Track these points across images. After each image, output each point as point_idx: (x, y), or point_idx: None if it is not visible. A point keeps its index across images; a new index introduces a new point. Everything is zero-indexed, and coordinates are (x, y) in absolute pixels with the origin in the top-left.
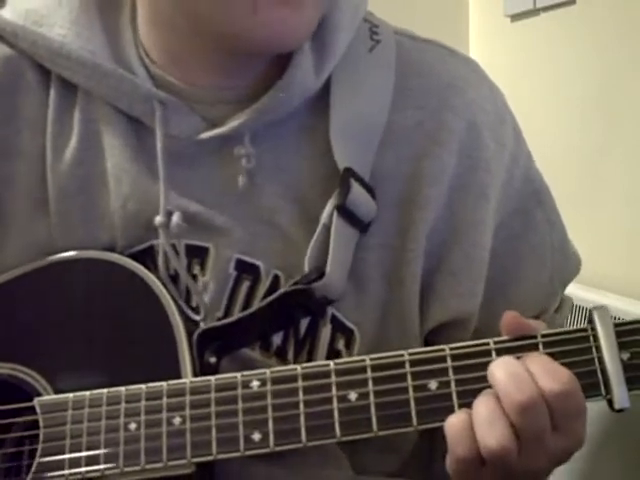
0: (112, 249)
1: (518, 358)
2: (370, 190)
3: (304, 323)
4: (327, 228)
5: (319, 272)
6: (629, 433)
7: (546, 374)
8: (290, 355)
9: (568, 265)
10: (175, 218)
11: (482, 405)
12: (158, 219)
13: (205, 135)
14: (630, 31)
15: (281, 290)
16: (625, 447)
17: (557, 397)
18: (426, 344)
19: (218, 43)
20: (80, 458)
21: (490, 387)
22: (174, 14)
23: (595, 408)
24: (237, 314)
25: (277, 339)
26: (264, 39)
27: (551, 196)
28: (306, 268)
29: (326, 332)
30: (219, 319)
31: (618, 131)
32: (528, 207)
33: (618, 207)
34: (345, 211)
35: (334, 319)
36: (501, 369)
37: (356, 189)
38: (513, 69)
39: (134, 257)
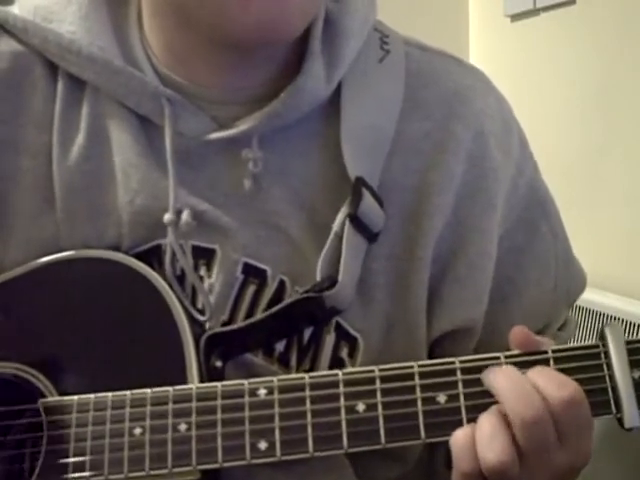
0: (118, 247)
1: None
2: (379, 200)
3: (308, 330)
4: (339, 237)
5: (331, 281)
6: (629, 441)
7: (550, 383)
8: (293, 362)
9: (572, 278)
10: (185, 216)
11: (485, 420)
12: (167, 217)
13: (213, 136)
14: (630, 31)
15: (293, 297)
16: (625, 455)
17: (561, 405)
18: (430, 354)
19: (210, 36)
20: (84, 462)
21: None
22: (168, 8)
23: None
24: (246, 319)
25: (280, 345)
26: (252, 27)
27: (556, 207)
28: (318, 277)
29: (330, 340)
30: (224, 322)
31: (618, 131)
32: (533, 218)
33: (618, 207)
34: (356, 220)
35: (338, 327)
36: (501, 379)
37: (367, 198)
38: (513, 69)
39: (140, 256)
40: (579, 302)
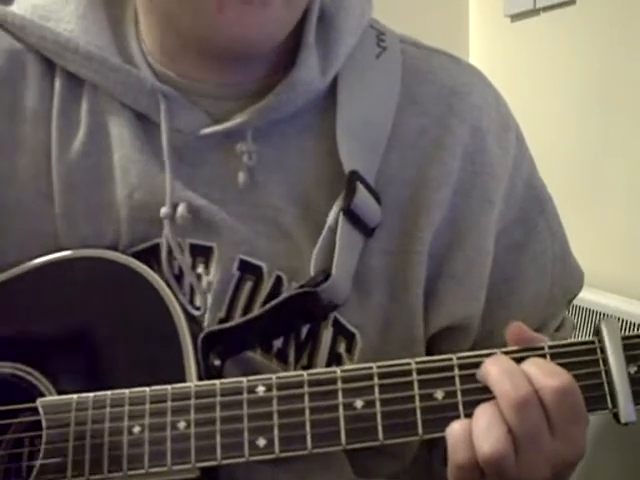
0: (116, 244)
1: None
2: (375, 195)
3: (306, 326)
4: (333, 231)
5: (325, 275)
6: (628, 441)
7: (541, 371)
8: (291, 357)
9: (569, 276)
10: (181, 209)
11: (481, 412)
12: (164, 210)
13: (207, 130)
14: (630, 31)
15: (288, 293)
16: (624, 455)
17: (552, 394)
18: (427, 351)
19: (188, 42)
20: (83, 460)
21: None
22: (156, 10)
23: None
24: (242, 316)
25: (278, 342)
26: (229, 39)
27: (554, 205)
28: (312, 271)
29: (327, 335)
30: (221, 319)
31: (618, 131)
32: (530, 216)
33: (617, 207)
34: (351, 214)
35: (336, 322)
36: (492, 366)
37: (362, 193)
38: (513, 69)
39: (138, 255)
40: (578, 302)
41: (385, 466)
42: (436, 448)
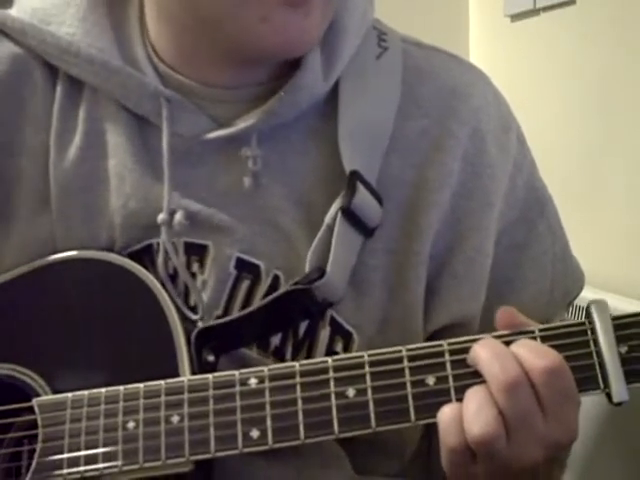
0: (111, 248)
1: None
2: (376, 195)
3: (303, 324)
4: (330, 229)
5: (319, 272)
6: (628, 428)
7: (530, 352)
8: (288, 356)
9: (570, 278)
10: (178, 216)
11: (471, 395)
12: (161, 217)
13: (211, 135)
14: (630, 31)
15: (281, 290)
16: (624, 443)
17: (542, 374)
18: None
19: (227, 47)
20: (79, 457)
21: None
22: (184, 15)
23: (592, 404)
24: (236, 313)
25: (275, 339)
26: (273, 46)
27: (554, 206)
28: (307, 268)
29: (325, 334)
30: (218, 317)
31: (618, 131)
32: (531, 217)
33: (618, 207)
34: (350, 214)
35: (333, 322)
36: (481, 349)
37: (362, 193)
38: (513, 69)
39: (132, 256)
40: (578, 302)
41: (384, 464)
42: (435, 445)
